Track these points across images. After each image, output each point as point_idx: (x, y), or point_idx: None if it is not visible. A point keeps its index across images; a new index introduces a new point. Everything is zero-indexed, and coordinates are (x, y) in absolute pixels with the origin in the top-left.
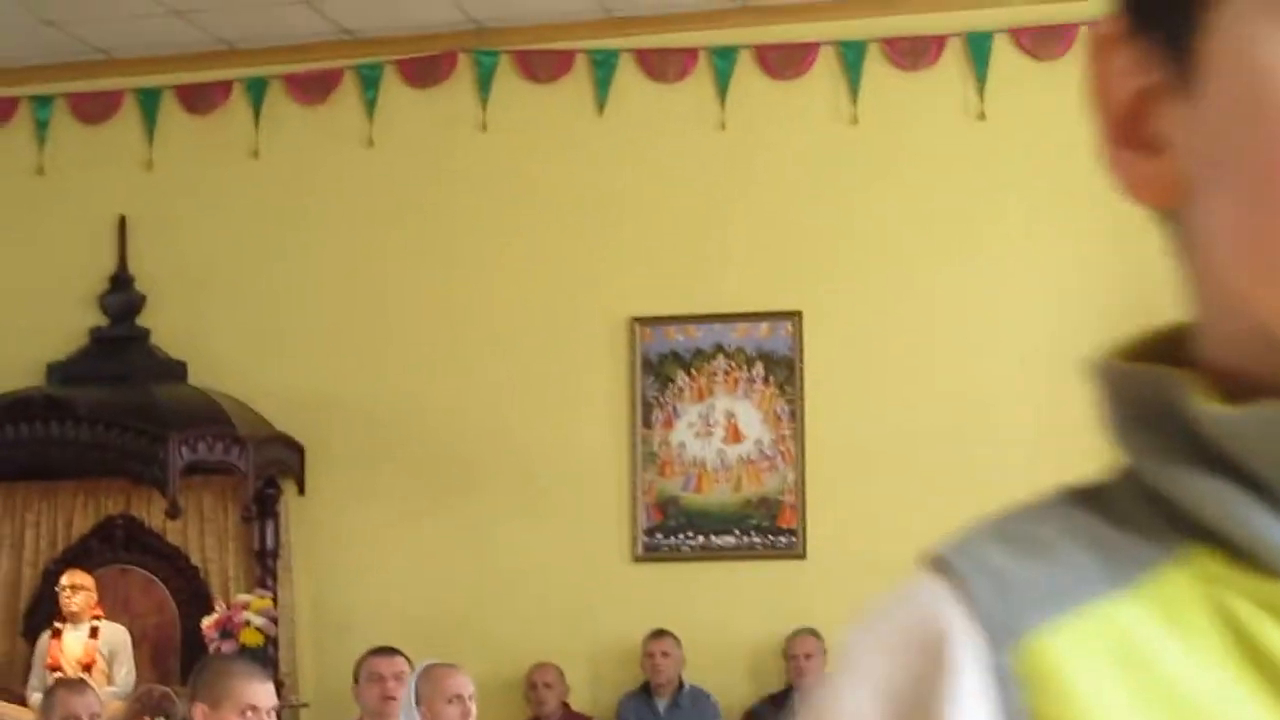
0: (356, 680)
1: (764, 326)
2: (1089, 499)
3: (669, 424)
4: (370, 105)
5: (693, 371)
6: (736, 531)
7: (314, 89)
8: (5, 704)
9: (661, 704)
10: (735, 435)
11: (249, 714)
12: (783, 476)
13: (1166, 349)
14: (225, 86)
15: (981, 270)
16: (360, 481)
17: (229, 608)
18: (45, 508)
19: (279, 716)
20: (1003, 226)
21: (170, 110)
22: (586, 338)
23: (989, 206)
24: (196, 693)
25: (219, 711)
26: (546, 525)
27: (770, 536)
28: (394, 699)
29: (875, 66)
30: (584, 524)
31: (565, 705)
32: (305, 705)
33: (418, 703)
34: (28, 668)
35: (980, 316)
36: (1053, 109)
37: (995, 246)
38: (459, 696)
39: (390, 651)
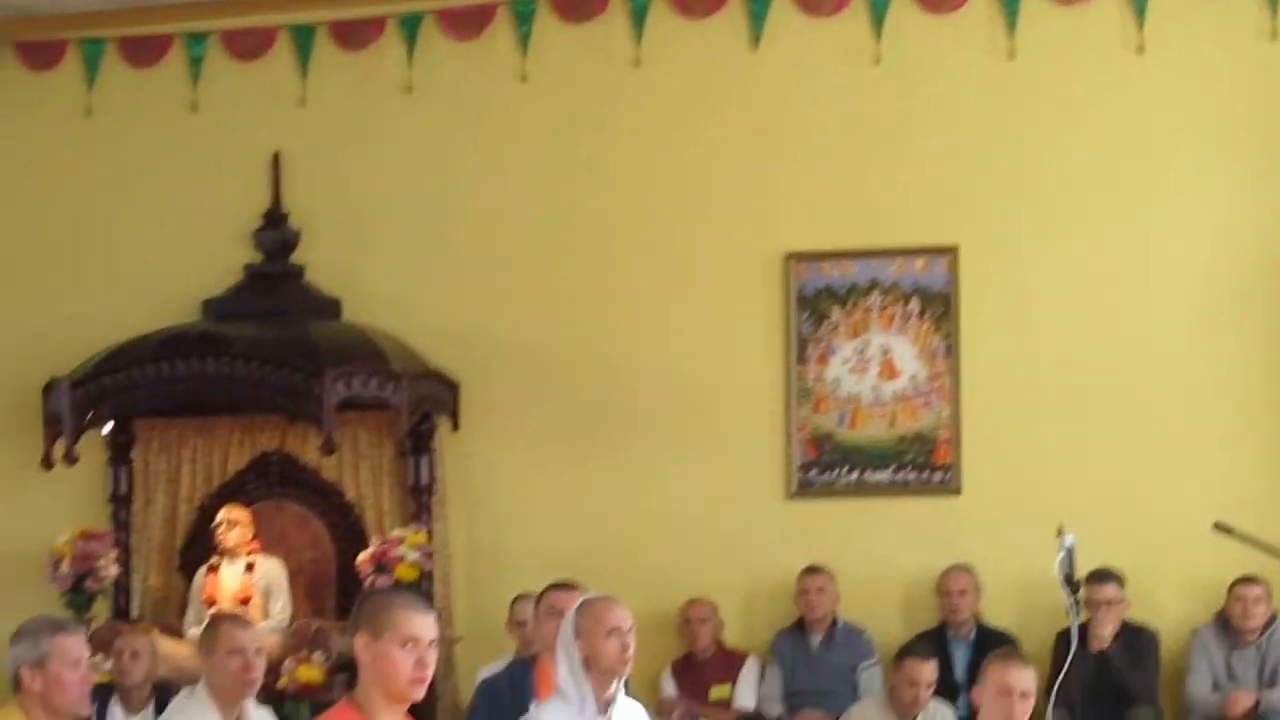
0: (510, 615)
1: (920, 261)
2: None
3: (824, 360)
4: (524, 40)
5: (848, 307)
6: (891, 467)
7: (467, 24)
8: (163, 637)
9: (815, 639)
10: (890, 371)
11: (410, 645)
12: (938, 412)
13: None
14: (379, 22)
15: (1142, 207)
16: (515, 417)
17: (384, 543)
18: (201, 444)
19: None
20: (1165, 163)
21: (324, 46)
22: (742, 274)
23: (1152, 142)
24: (358, 624)
25: (380, 642)
26: (701, 461)
27: (925, 472)
28: None
29: (1033, 1)
30: (738, 460)
31: (719, 641)
32: (460, 639)
33: (576, 636)
34: (184, 603)
35: (1140, 253)
36: (1217, 43)
37: (1157, 183)
38: (617, 629)
39: (569, 585)
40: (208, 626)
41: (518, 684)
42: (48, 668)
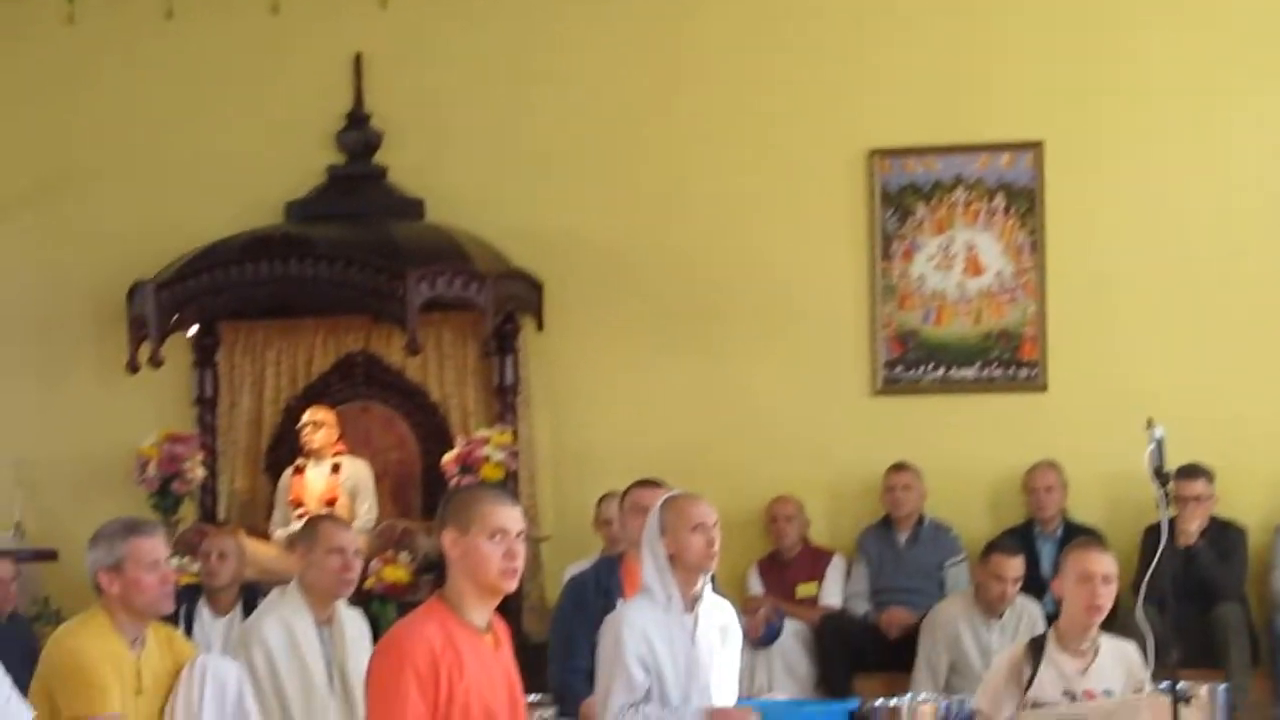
0: (596, 514)
1: (1005, 157)
2: None
3: (908, 256)
4: None
5: (932, 203)
6: (977, 364)
7: None
8: (249, 539)
9: (901, 537)
10: (975, 268)
11: (499, 537)
12: (1023, 309)
13: None
14: None
15: (1225, 99)
16: (599, 316)
17: (469, 443)
18: (286, 346)
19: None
20: (1249, 55)
21: None
22: (826, 171)
23: (1237, 34)
24: (445, 520)
25: (468, 537)
26: (786, 359)
27: (1011, 369)
28: None
29: None
30: (823, 357)
31: (805, 539)
32: (546, 538)
33: (661, 533)
34: (270, 505)
35: (1224, 145)
36: None
37: (1241, 75)
38: (702, 525)
39: (654, 483)
40: (306, 525)
41: (604, 582)
42: (125, 571)
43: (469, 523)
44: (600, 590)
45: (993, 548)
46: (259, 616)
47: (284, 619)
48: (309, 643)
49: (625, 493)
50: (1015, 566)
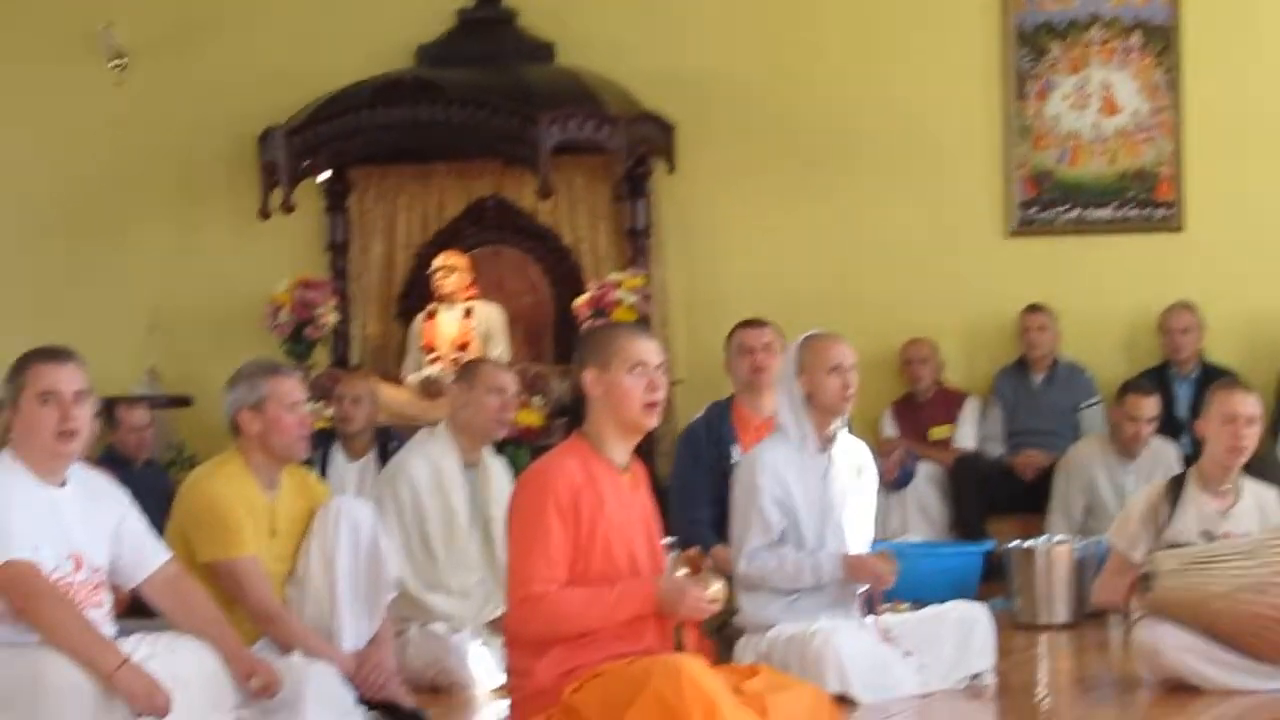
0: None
1: None
2: None
3: (1043, 96)
4: None
5: (1067, 42)
6: (1112, 204)
7: None
8: (382, 384)
9: (1036, 378)
10: (1111, 107)
11: (639, 370)
12: (1160, 148)
13: None
14: None
15: None
16: (732, 158)
17: (601, 287)
18: (417, 190)
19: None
20: None
21: None
22: (960, 10)
23: None
24: (584, 359)
25: (609, 373)
26: (920, 199)
27: (1147, 209)
28: (764, 370)
29: None
30: (957, 198)
31: (939, 381)
32: (679, 382)
33: (798, 373)
34: (403, 350)
35: None
36: None
37: None
38: (839, 367)
39: (759, 323)
40: (467, 365)
41: (715, 429)
42: (266, 410)
43: (609, 359)
44: (712, 439)
45: (1128, 388)
46: (406, 454)
47: (431, 458)
48: (454, 483)
49: (730, 334)
50: (1151, 407)
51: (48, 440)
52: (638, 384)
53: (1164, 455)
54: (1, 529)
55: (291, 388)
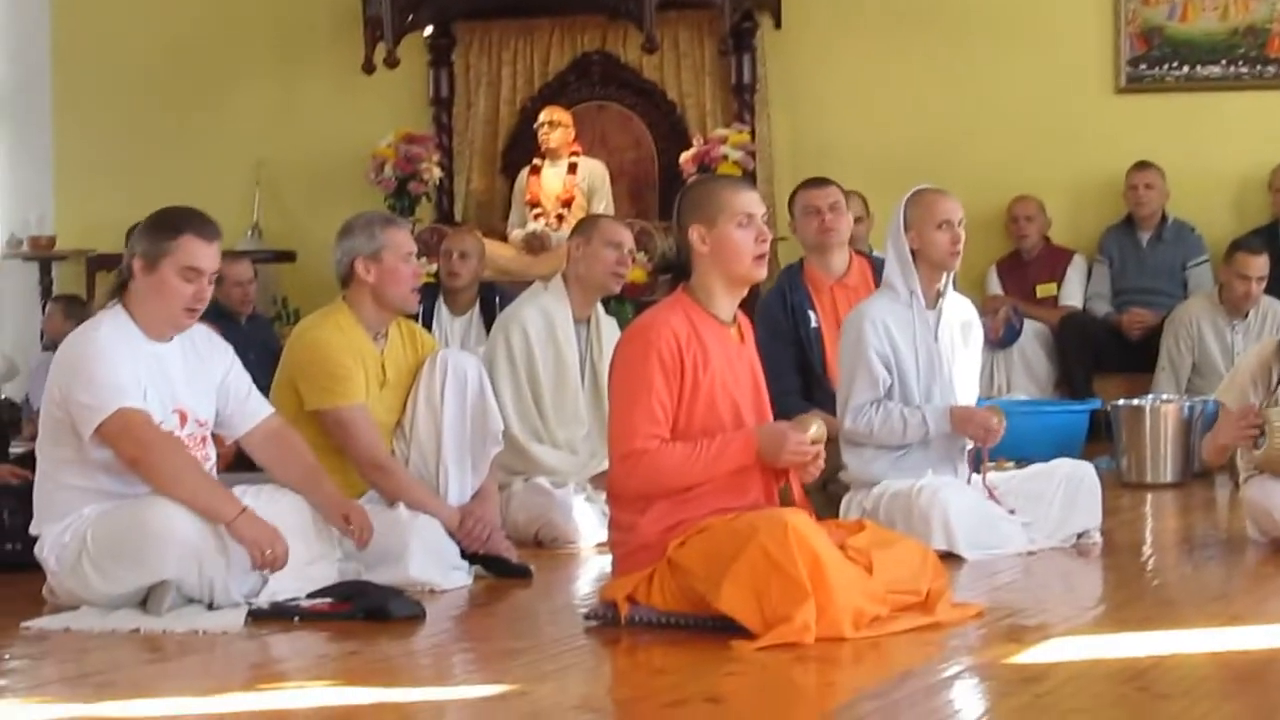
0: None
1: None
2: None
3: None
4: None
5: None
6: (1222, 61)
7: None
8: (487, 239)
9: (1144, 237)
10: None
11: (747, 222)
12: (1272, 4)
13: None
14: None
15: None
16: (838, 12)
17: (706, 142)
18: (522, 45)
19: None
20: None
21: None
22: None
23: None
24: (688, 216)
25: (716, 228)
26: (1028, 55)
27: (1257, 66)
28: (832, 230)
29: None
30: (1066, 54)
31: (1046, 238)
32: (784, 239)
33: (905, 228)
34: (507, 205)
35: None
36: None
37: None
38: (948, 222)
39: (823, 182)
40: (585, 219)
41: (789, 298)
42: (382, 259)
43: (715, 214)
44: (787, 308)
45: (1237, 246)
46: (521, 303)
47: (545, 309)
48: (567, 335)
49: (793, 195)
50: (1260, 265)
51: (175, 312)
52: (746, 237)
53: (1273, 314)
54: (111, 379)
55: (406, 239)
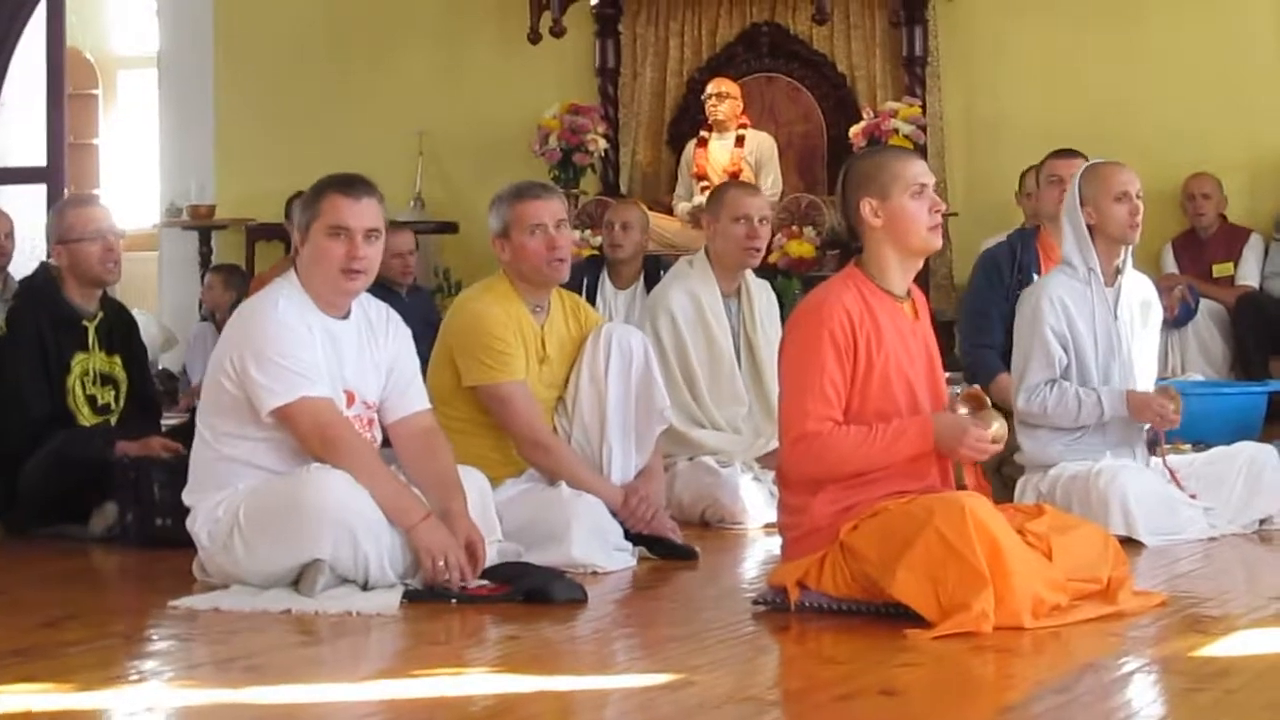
0: (1020, 188)
1: None
2: None
3: None
4: None
5: None
6: None
7: None
8: (652, 212)
9: None
10: None
11: (920, 192)
12: None
13: None
14: None
15: None
16: None
17: (876, 115)
18: (690, 15)
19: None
20: None
21: None
22: None
23: None
24: (858, 189)
25: (890, 200)
26: (1205, 28)
27: None
28: None
29: None
30: (1244, 26)
31: (1223, 217)
32: (954, 215)
33: (1082, 203)
34: (673, 177)
35: None
36: None
37: None
38: (1126, 194)
39: (1072, 153)
40: (713, 192)
41: (1019, 256)
42: (511, 236)
43: (887, 185)
44: (1015, 265)
45: None
46: (665, 286)
47: (690, 289)
48: (716, 314)
49: (1042, 163)
50: None
51: (332, 274)
52: (921, 207)
53: None
54: (291, 364)
55: (535, 211)
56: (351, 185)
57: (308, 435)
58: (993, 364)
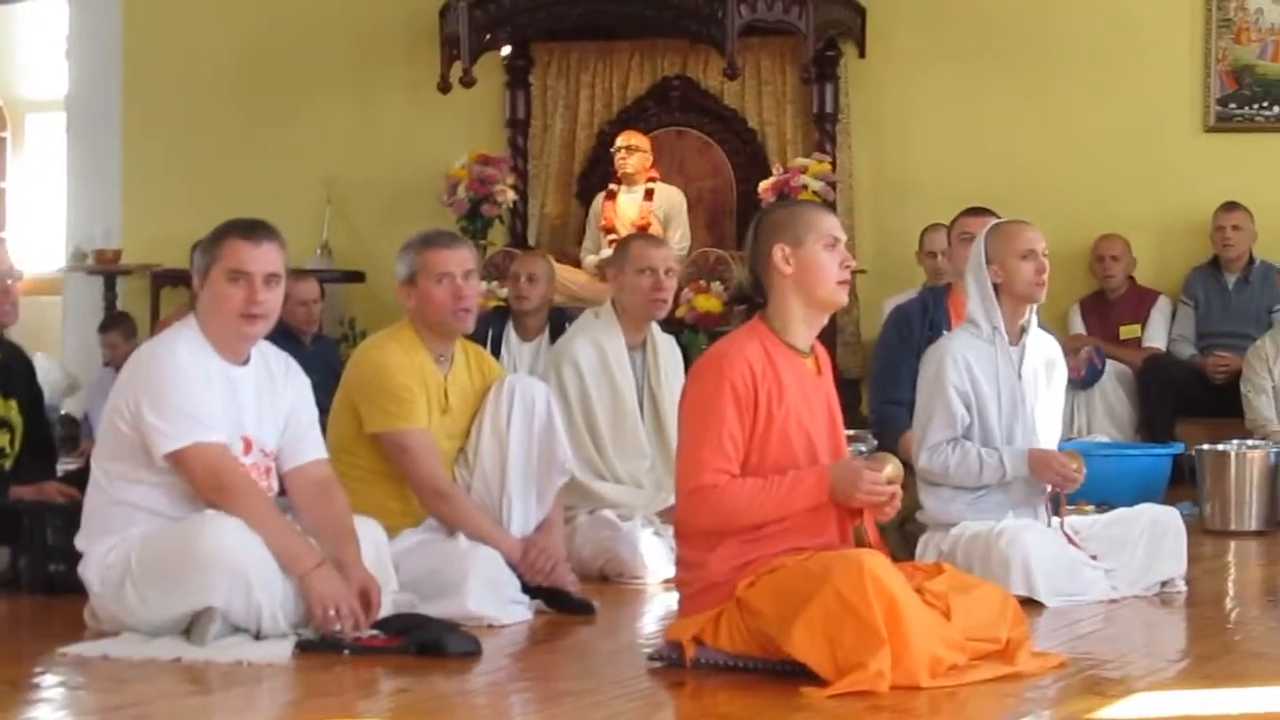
0: (920, 246)
1: None
2: None
3: None
4: None
5: None
6: None
7: None
8: (560, 264)
9: (1230, 279)
10: None
11: (831, 244)
12: None
13: None
14: None
15: None
16: (923, 43)
17: (786, 171)
18: (600, 68)
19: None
20: None
21: None
22: None
23: None
24: (771, 235)
25: (803, 248)
26: (1116, 91)
27: None
28: None
29: None
30: (1154, 90)
31: (1131, 278)
32: (863, 271)
33: (987, 261)
34: (581, 230)
35: None
36: None
37: None
38: (1032, 252)
39: (983, 211)
40: (619, 245)
41: (930, 312)
42: (417, 284)
43: (802, 234)
44: (926, 321)
45: None
46: (571, 336)
47: (596, 340)
48: (621, 365)
49: (953, 221)
50: None
51: (231, 319)
52: (832, 259)
53: None
54: (186, 409)
55: (444, 259)
56: (252, 230)
57: (201, 480)
58: (900, 420)
